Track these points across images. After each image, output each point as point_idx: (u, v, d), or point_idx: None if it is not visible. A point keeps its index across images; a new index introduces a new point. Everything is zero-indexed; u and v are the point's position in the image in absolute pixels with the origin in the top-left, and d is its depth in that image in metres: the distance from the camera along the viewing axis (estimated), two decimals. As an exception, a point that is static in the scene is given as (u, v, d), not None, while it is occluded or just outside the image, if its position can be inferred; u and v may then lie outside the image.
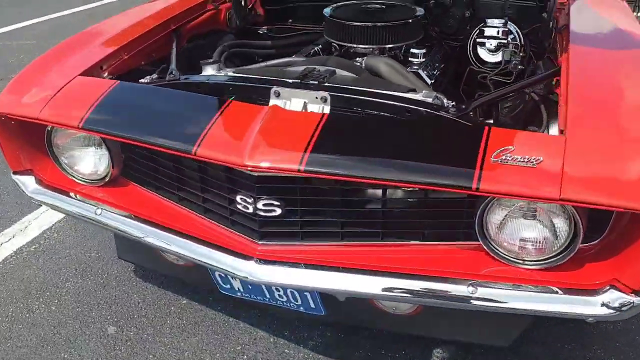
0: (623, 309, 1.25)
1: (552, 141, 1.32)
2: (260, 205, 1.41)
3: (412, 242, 1.45)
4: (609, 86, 1.52)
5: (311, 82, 1.62)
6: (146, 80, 1.81)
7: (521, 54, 1.97)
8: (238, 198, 1.45)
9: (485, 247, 1.38)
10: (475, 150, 1.28)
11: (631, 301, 1.24)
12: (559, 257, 1.33)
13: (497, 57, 2.00)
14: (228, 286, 1.65)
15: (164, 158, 1.59)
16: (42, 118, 1.60)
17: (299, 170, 1.30)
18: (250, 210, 1.43)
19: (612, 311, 1.26)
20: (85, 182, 1.75)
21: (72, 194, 1.73)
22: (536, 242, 1.34)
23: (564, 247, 1.32)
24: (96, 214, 1.67)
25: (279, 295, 1.59)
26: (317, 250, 1.45)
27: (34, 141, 1.78)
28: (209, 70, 1.84)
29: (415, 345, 1.87)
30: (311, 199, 1.42)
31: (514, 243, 1.36)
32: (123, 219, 1.64)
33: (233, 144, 1.37)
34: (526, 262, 1.37)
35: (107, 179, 1.72)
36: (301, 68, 1.74)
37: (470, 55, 2.05)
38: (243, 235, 1.50)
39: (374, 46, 1.94)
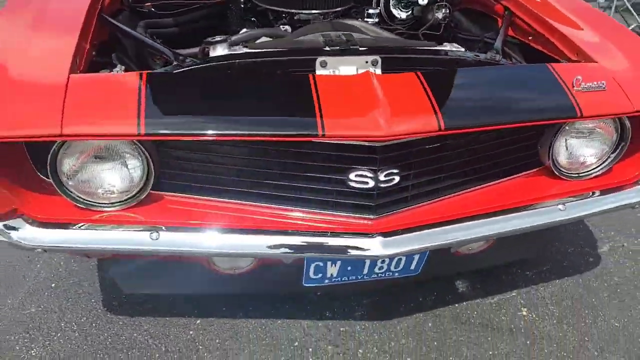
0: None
1: (597, 68, 1.56)
2: (382, 176, 1.35)
3: (491, 182, 1.57)
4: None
5: (352, 47, 1.56)
6: (163, 70, 1.48)
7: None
8: (352, 175, 1.35)
9: (554, 170, 1.58)
10: (557, 84, 1.45)
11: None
12: (608, 163, 1.61)
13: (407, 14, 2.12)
14: (319, 275, 1.53)
15: (229, 154, 1.36)
16: (71, 133, 1.20)
17: (439, 129, 1.29)
18: (371, 184, 1.35)
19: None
20: (110, 206, 1.38)
21: (100, 226, 1.35)
22: (593, 156, 1.59)
23: (615, 153, 1.59)
24: (152, 239, 1.34)
25: (379, 267, 1.54)
26: (426, 209, 1.46)
27: (19, 173, 1.33)
28: (219, 50, 1.59)
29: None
30: (421, 161, 1.41)
31: (573, 161, 1.59)
32: (195, 236, 1.35)
33: (360, 117, 1.27)
34: (581, 175, 1.62)
35: (142, 197, 1.38)
36: (317, 37, 1.64)
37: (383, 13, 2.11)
38: (351, 215, 1.41)
39: (327, 10, 1.93)
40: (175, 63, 1.50)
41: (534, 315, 1.91)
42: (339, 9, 2.01)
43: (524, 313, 1.92)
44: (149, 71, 1.37)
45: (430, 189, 1.47)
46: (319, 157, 1.34)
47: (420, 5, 2.04)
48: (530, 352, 1.78)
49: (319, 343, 1.78)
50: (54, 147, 1.27)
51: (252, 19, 2.08)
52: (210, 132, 1.24)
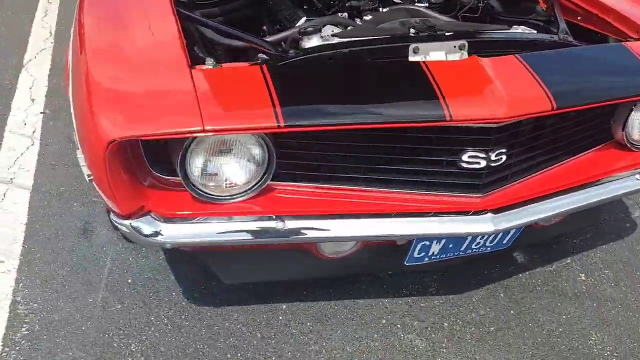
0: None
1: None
2: (493, 156, 1.43)
3: (571, 157, 1.68)
4: None
5: (438, 32, 1.62)
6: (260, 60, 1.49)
7: None
8: (465, 157, 1.42)
9: (627, 142, 1.69)
10: (637, 61, 1.56)
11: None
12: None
13: None
14: (422, 254, 1.60)
15: (358, 141, 1.41)
16: (213, 128, 1.22)
17: (552, 109, 1.37)
18: (482, 164, 1.43)
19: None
20: (231, 198, 1.40)
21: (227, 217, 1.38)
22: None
23: None
24: (278, 228, 1.38)
25: (476, 243, 1.63)
26: (524, 186, 1.56)
27: (141, 171, 1.34)
28: (314, 40, 1.62)
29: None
30: (523, 140, 1.49)
31: None
32: (320, 223, 1.40)
33: (481, 101, 1.34)
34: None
35: (262, 187, 1.41)
36: (395, 24, 1.69)
37: None
38: (459, 195, 1.48)
39: None
40: (275, 53, 1.52)
41: (593, 280, 2.05)
42: None
43: (583, 278, 2.05)
44: (267, 63, 1.40)
45: (526, 166, 1.56)
46: (437, 140, 1.41)
47: None
48: (599, 314, 1.91)
49: (405, 319, 1.86)
50: (186, 143, 1.29)
51: (304, 7, 2.09)
52: (345, 121, 1.29)
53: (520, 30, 1.78)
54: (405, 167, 1.46)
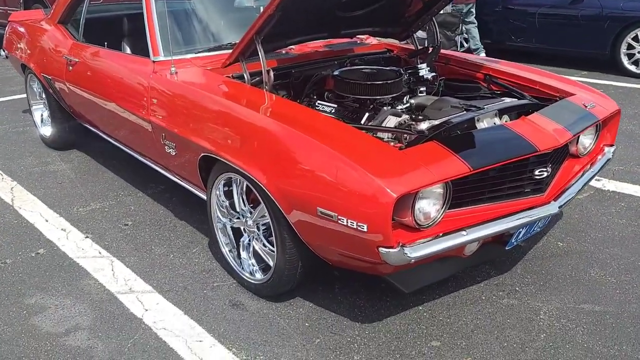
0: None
1: (582, 97, 2.98)
2: (548, 169, 2.50)
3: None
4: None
5: (481, 110, 2.69)
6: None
7: None
8: (537, 172, 2.47)
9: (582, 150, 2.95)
10: (580, 107, 2.83)
11: None
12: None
13: None
14: (516, 239, 2.57)
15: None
16: (440, 179, 2.10)
17: (564, 143, 2.52)
18: (545, 175, 2.49)
19: None
20: (427, 225, 2.23)
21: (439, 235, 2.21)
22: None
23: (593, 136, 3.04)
24: (463, 235, 2.24)
25: (541, 224, 2.65)
26: (557, 182, 2.65)
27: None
28: (424, 124, 2.57)
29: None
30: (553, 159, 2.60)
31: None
32: (487, 227, 2.31)
33: (546, 138, 2.43)
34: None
35: (443, 214, 2.27)
36: (448, 106, 2.74)
37: None
38: (532, 197, 2.51)
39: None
40: (420, 134, 2.44)
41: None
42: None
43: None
44: (440, 138, 2.32)
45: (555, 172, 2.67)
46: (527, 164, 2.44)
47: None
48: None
49: (490, 294, 2.78)
50: (418, 194, 2.12)
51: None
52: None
53: (509, 100, 2.94)
54: (514, 184, 2.44)
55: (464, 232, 2.26)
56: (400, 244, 2.11)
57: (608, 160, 3.05)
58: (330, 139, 2.26)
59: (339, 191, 2.11)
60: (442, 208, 2.26)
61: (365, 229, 2.06)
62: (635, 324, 2.51)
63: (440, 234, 2.23)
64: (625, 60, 7.17)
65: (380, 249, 2.08)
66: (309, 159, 2.23)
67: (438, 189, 2.22)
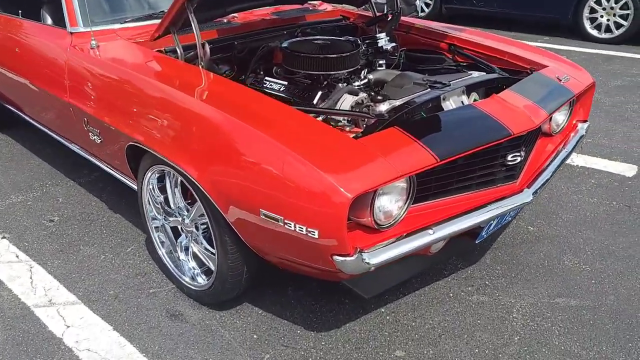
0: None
1: (555, 69, 2.71)
2: (521, 153, 2.22)
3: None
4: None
5: (448, 84, 2.38)
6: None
7: None
8: (509, 157, 2.19)
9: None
10: (553, 80, 2.56)
11: None
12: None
13: None
14: (486, 232, 2.30)
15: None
16: (404, 174, 1.79)
17: (539, 124, 2.24)
18: (518, 160, 2.21)
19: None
20: (392, 224, 1.93)
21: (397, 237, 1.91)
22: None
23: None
24: (430, 234, 1.96)
25: (512, 213, 2.39)
26: (530, 165, 2.39)
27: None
28: (384, 105, 2.24)
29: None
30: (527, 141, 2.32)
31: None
32: (456, 222, 2.02)
33: (522, 120, 2.14)
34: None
35: (406, 211, 1.98)
36: (411, 85, 2.42)
37: None
38: (504, 185, 2.24)
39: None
40: (379, 117, 2.11)
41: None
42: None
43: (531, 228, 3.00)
44: (402, 123, 2.00)
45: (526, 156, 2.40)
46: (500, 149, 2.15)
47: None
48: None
49: (458, 290, 2.54)
50: (378, 191, 1.80)
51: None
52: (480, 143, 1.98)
53: (476, 74, 2.64)
54: (484, 171, 2.16)
55: (430, 231, 1.97)
56: (358, 250, 1.80)
57: (582, 137, 2.81)
58: (273, 127, 1.91)
59: (284, 191, 1.78)
60: (405, 204, 1.96)
61: (316, 235, 1.75)
62: (614, 319, 2.31)
63: (404, 235, 1.93)
64: (587, 25, 6.98)
65: (335, 257, 1.78)
66: (249, 151, 1.88)
67: (401, 184, 1.92)
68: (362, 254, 1.80)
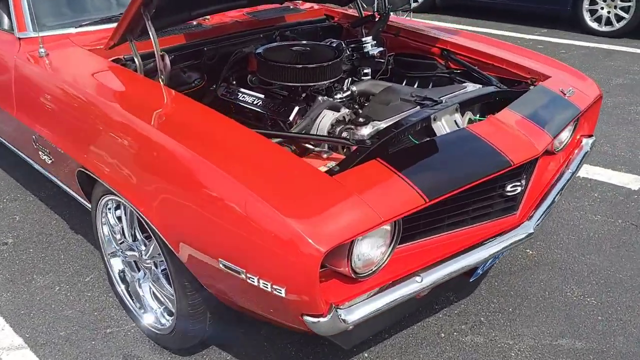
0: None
1: (558, 81, 2.43)
2: (522, 182, 1.96)
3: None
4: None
5: (440, 101, 2.10)
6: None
7: None
8: (509, 187, 1.93)
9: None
10: (558, 95, 2.28)
11: None
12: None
13: None
14: (486, 266, 2.03)
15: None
16: (388, 219, 1.51)
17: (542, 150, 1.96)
18: (518, 191, 1.95)
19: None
20: (374, 272, 1.68)
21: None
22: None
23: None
24: (417, 282, 1.70)
25: (504, 250, 2.13)
26: (529, 196, 2.12)
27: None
28: (367, 129, 1.97)
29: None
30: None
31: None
32: (449, 265, 1.76)
33: (524, 148, 1.87)
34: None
35: (389, 257, 1.71)
36: (399, 101, 2.14)
37: None
38: (502, 217, 1.98)
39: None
40: (360, 145, 1.83)
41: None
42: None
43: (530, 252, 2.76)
44: (388, 154, 1.73)
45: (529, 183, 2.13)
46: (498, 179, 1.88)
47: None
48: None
49: (450, 329, 2.29)
50: (357, 239, 1.54)
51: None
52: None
53: (471, 87, 2.36)
54: (480, 204, 1.89)
55: (418, 278, 1.70)
56: (333, 307, 1.54)
57: (586, 154, 2.55)
58: (233, 161, 1.63)
59: (244, 240, 1.51)
60: (388, 249, 1.70)
61: (282, 293, 1.48)
62: (624, 365, 2.08)
63: (388, 284, 1.67)
64: (587, 17, 6.69)
65: (306, 317, 1.52)
66: (205, 188, 1.60)
67: (384, 226, 1.65)
68: (338, 310, 1.54)
